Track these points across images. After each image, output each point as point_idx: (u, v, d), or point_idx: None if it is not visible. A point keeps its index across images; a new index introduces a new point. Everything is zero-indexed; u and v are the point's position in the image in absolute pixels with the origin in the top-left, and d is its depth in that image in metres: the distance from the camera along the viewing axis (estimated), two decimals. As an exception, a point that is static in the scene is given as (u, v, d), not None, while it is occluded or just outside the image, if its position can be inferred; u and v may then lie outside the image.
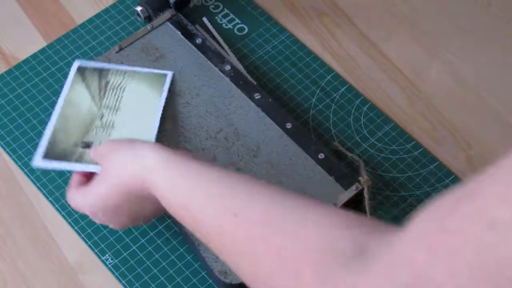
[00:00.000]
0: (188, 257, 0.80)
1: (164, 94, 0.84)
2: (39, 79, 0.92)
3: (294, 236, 0.52)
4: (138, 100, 0.84)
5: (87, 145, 0.78)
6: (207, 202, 0.60)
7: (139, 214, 0.72)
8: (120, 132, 0.81)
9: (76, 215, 0.82)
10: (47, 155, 0.78)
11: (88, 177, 0.75)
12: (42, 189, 0.84)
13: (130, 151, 0.68)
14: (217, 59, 0.89)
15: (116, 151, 0.71)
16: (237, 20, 0.97)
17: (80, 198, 0.73)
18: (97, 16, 0.97)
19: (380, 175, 0.84)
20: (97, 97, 0.84)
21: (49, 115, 0.89)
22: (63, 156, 0.78)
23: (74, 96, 0.84)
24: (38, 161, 0.78)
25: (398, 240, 0.45)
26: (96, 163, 0.74)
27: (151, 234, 0.81)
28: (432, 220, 0.43)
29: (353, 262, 0.47)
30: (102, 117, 0.82)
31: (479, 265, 0.39)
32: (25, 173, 0.85)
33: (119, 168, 0.69)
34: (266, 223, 0.54)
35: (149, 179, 0.66)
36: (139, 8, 0.93)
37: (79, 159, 0.78)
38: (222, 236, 0.58)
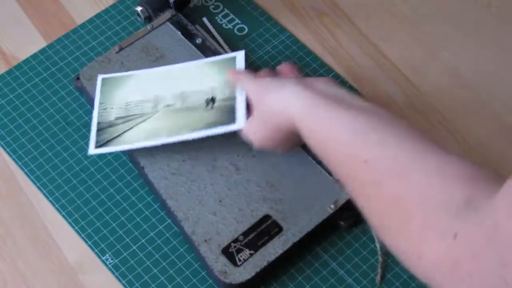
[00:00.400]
0: (188, 257, 0.80)
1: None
2: (39, 79, 0.92)
3: (415, 183, 0.58)
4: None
5: (212, 100, 0.82)
6: (340, 149, 0.66)
7: (286, 142, 0.76)
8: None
9: (76, 215, 0.82)
10: (98, 144, 0.83)
11: None
12: (42, 189, 0.84)
13: (279, 94, 0.73)
14: (217, 59, 0.89)
15: (266, 92, 0.75)
16: (237, 20, 0.97)
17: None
18: (97, 16, 0.97)
19: (380, 175, 0.84)
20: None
21: (49, 115, 0.89)
22: (112, 141, 0.82)
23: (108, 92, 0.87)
24: (91, 150, 0.83)
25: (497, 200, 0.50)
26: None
27: (151, 234, 0.81)
28: None
29: (461, 212, 0.53)
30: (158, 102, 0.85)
31: None
32: (25, 173, 0.85)
33: (270, 109, 0.74)
34: (392, 171, 0.60)
35: (296, 120, 0.71)
36: (139, 8, 0.93)
37: (128, 141, 0.82)
38: (353, 179, 0.64)
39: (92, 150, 0.83)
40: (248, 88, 0.78)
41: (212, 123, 0.80)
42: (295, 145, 0.77)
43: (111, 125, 0.84)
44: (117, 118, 0.84)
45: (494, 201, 0.50)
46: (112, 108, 0.85)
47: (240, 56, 0.85)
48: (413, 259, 0.57)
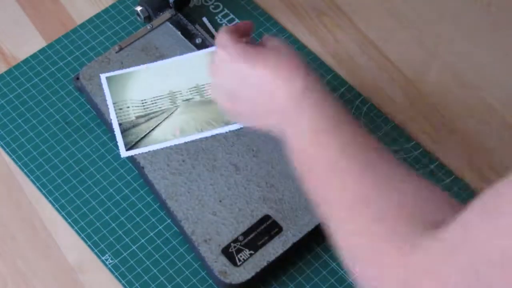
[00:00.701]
0: (188, 257, 0.80)
1: None
2: (38, 79, 0.92)
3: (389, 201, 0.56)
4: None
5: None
6: (322, 175, 0.61)
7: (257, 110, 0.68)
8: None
9: (75, 215, 0.82)
10: (128, 146, 0.83)
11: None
12: (42, 189, 0.84)
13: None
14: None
15: (264, 59, 0.67)
16: (237, 20, 0.97)
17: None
18: (97, 16, 0.97)
19: (380, 175, 0.84)
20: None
21: (48, 115, 0.89)
22: (141, 142, 0.83)
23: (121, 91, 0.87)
24: (124, 153, 0.83)
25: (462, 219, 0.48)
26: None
27: (151, 234, 0.81)
28: (488, 190, 0.47)
29: (427, 231, 0.52)
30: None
31: None
32: (25, 173, 0.85)
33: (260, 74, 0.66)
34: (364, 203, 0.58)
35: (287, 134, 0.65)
36: (139, 8, 0.93)
37: (159, 139, 0.83)
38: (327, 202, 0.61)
39: (124, 153, 0.83)
40: (236, 51, 0.68)
41: None
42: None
43: (134, 125, 0.84)
44: (138, 117, 0.84)
45: (461, 213, 0.48)
46: (128, 107, 0.85)
47: None
48: (364, 262, 0.56)
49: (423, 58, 0.94)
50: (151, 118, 0.84)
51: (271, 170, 0.81)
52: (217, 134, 0.83)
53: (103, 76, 0.87)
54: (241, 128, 0.83)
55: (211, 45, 0.90)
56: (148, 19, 0.93)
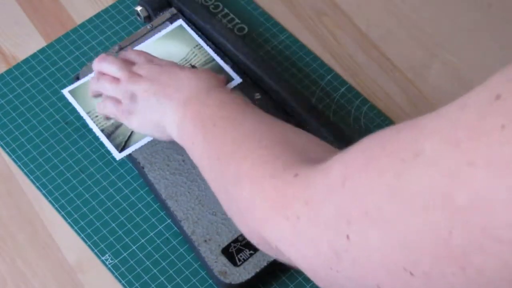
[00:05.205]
0: (188, 257, 0.80)
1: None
2: (39, 79, 0.92)
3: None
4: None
5: (194, 68, 0.85)
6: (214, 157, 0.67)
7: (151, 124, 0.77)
8: None
9: (75, 215, 0.82)
10: (119, 148, 0.83)
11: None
12: (42, 189, 0.84)
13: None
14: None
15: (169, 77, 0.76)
16: (237, 20, 0.97)
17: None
18: (97, 16, 0.97)
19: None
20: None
21: (48, 115, 0.89)
22: (130, 140, 0.83)
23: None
24: (118, 156, 0.83)
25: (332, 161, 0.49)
26: None
27: (151, 234, 0.81)
28: (373, 142, 0.46)
29: (306, 162, 0.54)
30: None
31: (399, 188, 0.40)
32: (25, 173, 0.85)
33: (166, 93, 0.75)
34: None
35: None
36: (139, 8, 0.93)
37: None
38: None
39: (118, 155, 0.83)
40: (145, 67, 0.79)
41: None
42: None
43: (116, 126, 0.84)
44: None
45: (344, 153, 0.48)
46: None
47: (182, 23, 0.91)
48: (242, 188, 0.58)
49: (423, 58, 0.94)
50: None
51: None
52: None
53: (66, 91, 0.87)
54: None
55: (211, 45, 0.90)
56: (148, 19, 0.93)
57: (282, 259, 0.55)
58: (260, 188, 0.56)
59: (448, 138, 0.38)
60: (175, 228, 0.81)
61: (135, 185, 0.84)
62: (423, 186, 0.39)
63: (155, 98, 0.75)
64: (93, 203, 0.83)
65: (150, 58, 0.81)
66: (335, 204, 0.46)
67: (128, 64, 0.80)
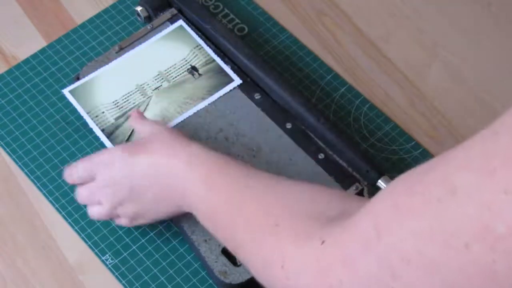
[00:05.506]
0: (188, 257, 0.80)
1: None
2: (39, 79, 0.92)
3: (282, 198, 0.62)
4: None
5: (194, 69, 0.86)
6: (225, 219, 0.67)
7: (156, 206, 0.75)
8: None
9: (76, 215, 0.82)
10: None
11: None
12: (42, 189, 0.84)
13: (171, 149, 0.72)
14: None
15: (160, 141, 0.74)
16: (237, 20, 0.97)
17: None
18: (97, 16, 0.97)
19: (380, 175, 0.84)
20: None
21: (49, 115, 0.89)
22: (130, 140, 0.83)
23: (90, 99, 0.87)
24: None
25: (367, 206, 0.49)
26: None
27: (151, 234, 0.81)
28: (401, 186, 0.45)
29: (331, 222, 0.53)
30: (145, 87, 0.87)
31: (438, 229, 0.40)
32: (25, 173, 0.85)
33: (161, 156, 0.72)
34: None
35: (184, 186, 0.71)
36: (139, 8, 0.93)
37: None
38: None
39: None
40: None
41: (212, 87, 0.86)
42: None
43: (116, 126, 0.84)
44: (116, 119, 0.84)
45: (370, 204, 0.48)
46: (103, 112, 0.85)
47: (182, 24, 0.91)
48: (275, 269, 0.55)
49: (423, 58, 0.94)
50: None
51: (271, 170, 0.81)
52: (217, 136, 0.83)
53: (66, 91, 0.87)
54: (226, 111, 0.83)
55: (211, 45, 0.90)
56: (148, 19, 0.93)
57: None
58: (293, 266, 0.54)
59: (481, 169, 0.38)
60: (175, 228, 0.81)
61: (135, 185, 0.84)
62: (462, 222, 0.39)
63: (148, 214, 0.76)
64: (93, 203, 0.83)
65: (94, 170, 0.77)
66: (375, 259, 0.45)
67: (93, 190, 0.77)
